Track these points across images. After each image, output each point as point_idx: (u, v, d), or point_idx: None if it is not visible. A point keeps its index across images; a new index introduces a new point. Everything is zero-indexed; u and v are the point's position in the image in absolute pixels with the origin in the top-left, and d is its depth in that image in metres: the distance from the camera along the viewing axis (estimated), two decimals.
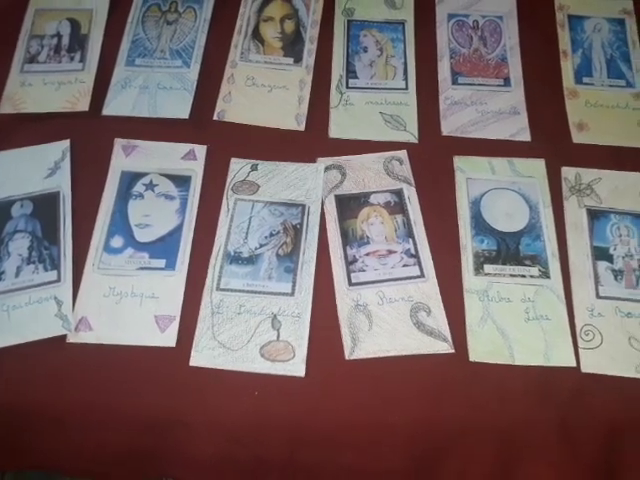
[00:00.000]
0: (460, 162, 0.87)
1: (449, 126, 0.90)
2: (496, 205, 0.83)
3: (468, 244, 0.80)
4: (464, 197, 0.84)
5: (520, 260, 0.79)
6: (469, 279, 0.78)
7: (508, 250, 0.80)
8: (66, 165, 0.86)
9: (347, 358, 0.74)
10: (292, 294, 0.78)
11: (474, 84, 0.94)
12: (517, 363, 0.74)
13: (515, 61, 0.96)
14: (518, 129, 0.90)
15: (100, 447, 0.73)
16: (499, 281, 0.78)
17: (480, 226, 0.82)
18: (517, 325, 0.76)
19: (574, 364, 0.74)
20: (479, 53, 0.96)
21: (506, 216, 0.82)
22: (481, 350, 0.74)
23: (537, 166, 0.86)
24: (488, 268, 0.79)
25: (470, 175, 0.86)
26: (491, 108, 0.92)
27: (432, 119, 0.92)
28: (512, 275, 0.78)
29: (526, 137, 0.89)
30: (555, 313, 0.76)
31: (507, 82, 0.94)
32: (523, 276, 0.78)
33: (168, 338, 0.75)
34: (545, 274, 0.79)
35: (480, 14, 1.00)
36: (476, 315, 0.76)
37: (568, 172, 0.87)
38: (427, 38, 0.99)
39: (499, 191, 0.84)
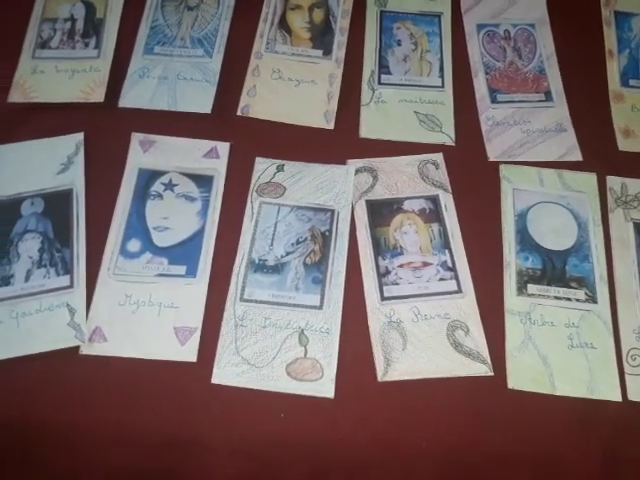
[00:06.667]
0: (507, 170, 0.81)
1: (495, 150, 0.83)
2: (543, 220, 0.78)
3: (512, 261, 0.75)
4: (509, 209, 0.78)
5: (566, 282, 0.74)
6: (511, 299, 0.73)
7: (554, 270, 0.75)
8: (80, 160, 0.81)
9: (379, 380, 0.69)
10: (320, 307, 0.73)
11: (514, 101, 0.87)
12: (558, 393, 0.69)
13: (554, 73, 0.89)
14: (567, 148, 0.84)
15: (114, 466, 0.69)
16: (543, 303, 0.73)
17: (525, 242, 0.76)
18: (560, 352, 0.71)
19: (619, 399, 0.69)
20: (515, 66, 0.90)
21: (553, 233, 0.77)
22: (520, 377, 0.69)
23: (588, 180, 0.81)
24: (532, 288, 0.74)
25: (517, 186, 0.80)
26: (535, 127, 0.85)
27: (470, 120, 0.86)
28: (557, 297, 0.73)
29: (577, 157, 0.83)
30: (601, 341, 0.72)
31: (548, 96, 0.88)
32: (568, 299, 0.73)
33: (188, 352, 0.70)
34: (592, 299, 0.74)
35: (510, 23, 0.94)
36: (517, 339, 0.71)
37: (614, 182, 0.81)
38: (463, 34, 0.93)
39: (547, 205, 0.79)
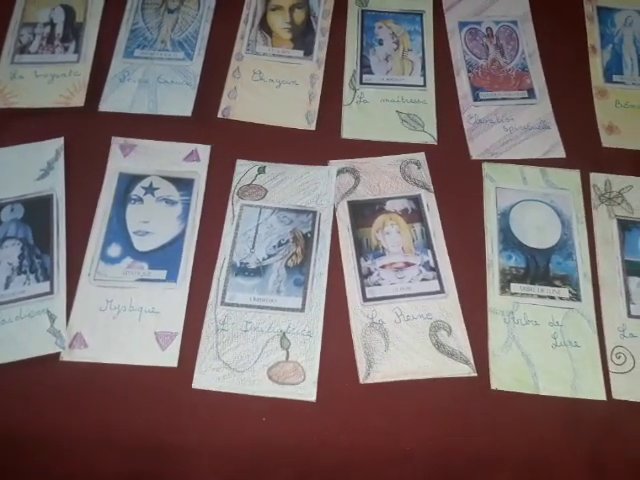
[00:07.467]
0: (490, 169, 0.81)
1: (477, 148, 0.83)
2: (526, 218, 0.77)
3: (494, 260, 0.75)
4: (492, 208, 0.78)
5: (549, 280, 0.74)
6: (494, 298, 0.73)
7: (537, 268, 0.74)
8: (60, 165, 0.80)
9: (362, 382, 0.69)
10: (302, 310, 0.72)
11: (497, 99, 0.87)
12: (542, 393, 0.69)
13: (537, 69, 0.89)
14: (551, 145, 0.83)
15: (96, 473, 0.68)
16: (526, 302, 0.72)
17: (508, 241, 0.76)
18: (543, 351, 0.70)
19: (604, 397, 0.69)
20: (497, 64, 0.90)
21: (536, 231, 0.76)
22: (504, 378, 0.69)
23: (571, 177, 0.80)
24: (515, 287, 0.73)
25: (500, 184, 0.80)
26: (518, 124, 0.85)
27: (452, 119, 0.86)
28: (540, 296, 0.73)
29: (560, 153, 0.83)
30: (585, 340, 0.71)
31: (531, 93, 0.87)
32: (552, 297, 0.73)
33: (169, 357, 0.70)
34: (576, 296, 0.73)
35: (493, 20, 0.93)
36: (500, 338, 0.71)
37: (597, 179, 0.81)
38: (446, 32, 0.93)
39: (530, 203, 0.78)
